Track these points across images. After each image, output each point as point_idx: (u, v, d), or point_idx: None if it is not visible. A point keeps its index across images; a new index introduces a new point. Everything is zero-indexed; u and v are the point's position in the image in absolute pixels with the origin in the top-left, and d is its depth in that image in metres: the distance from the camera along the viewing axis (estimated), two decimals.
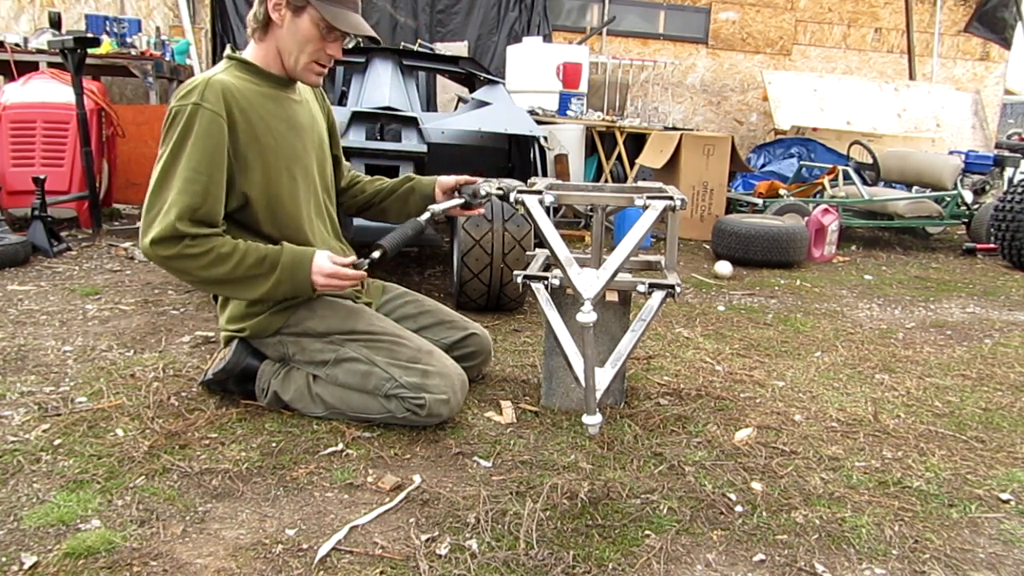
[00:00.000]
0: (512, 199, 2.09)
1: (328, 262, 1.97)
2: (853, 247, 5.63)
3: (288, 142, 2.05)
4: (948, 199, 5.78)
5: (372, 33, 2.06)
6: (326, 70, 2.08)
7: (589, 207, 2.32)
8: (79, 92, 4.33)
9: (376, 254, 1.98)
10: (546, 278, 2.11)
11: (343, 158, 2.44)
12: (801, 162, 6.80)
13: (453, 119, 3.78)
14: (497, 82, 4.30)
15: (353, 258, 2.03)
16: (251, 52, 2.06)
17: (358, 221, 3.41)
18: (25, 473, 1.73)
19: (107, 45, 5.82)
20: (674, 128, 7.03)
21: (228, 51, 2.11)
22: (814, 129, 7.91)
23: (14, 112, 4.58)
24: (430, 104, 7.40)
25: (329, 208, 2.27)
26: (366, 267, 1.99)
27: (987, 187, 6.90)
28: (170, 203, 1.87)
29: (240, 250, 1.93)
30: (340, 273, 1.97)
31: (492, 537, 1.56)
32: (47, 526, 1.52)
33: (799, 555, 1.56)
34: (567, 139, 6.16)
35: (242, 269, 1.92)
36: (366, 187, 2.43)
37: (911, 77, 8.74)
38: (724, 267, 4.36)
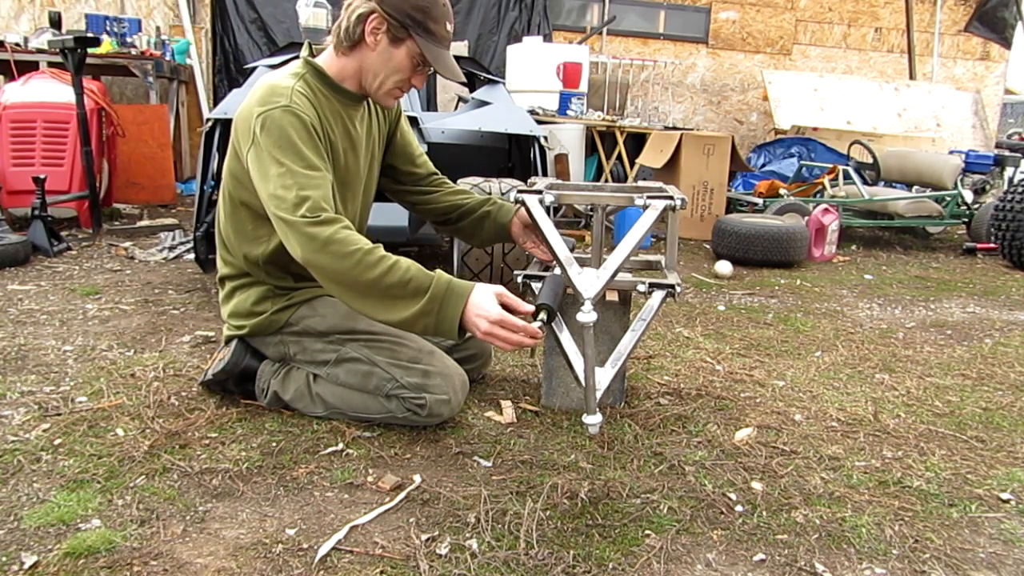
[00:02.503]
0: (512, 198, 2.09)
1: (494, 303, 1.69)
2: (853, 247, 5.63)
3: (346, 165, 2.02)
4: (948, 199, 5.78)
5: (463, 78, 2.00)
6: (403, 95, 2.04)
7: (589, 207, 2.32)
8: (79, 92, 4.33)
9: (544, 315, 1.73)
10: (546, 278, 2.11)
11: (424, 156, 2.33)
12: (801, 162, 6.80)
13: (453, 119, 3.78)
14: (497, 82, 4.30)
15: (529, 307, 1.74)
16: (328, 61, 1.98)
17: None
18: (25, 473, 1.73)
19: (107, 45, 5.83)
20: (674, 128, 7.03)
21: (306, 52, 2.03)
22: (814, 129, 7.91)
23: (14, 112, 4.58)
24: (430, 104, 7.40)
25: (360, 228, 2.21)
26: (542, 330, 1.72)
27: (987, 187, 6.91)
28: (302, 191, 1.75)
29: (390, 259, 1.73)
30: (508, 323, 1.67)
31: (492, 537, 1.56)
32: (47, 526, 1.52)
33: (799, 555, 1.56)
34: (567, 139, 6.16)
35: (384, 284, 1.72)
36: (444, 197, 2.29)
37: (911, 77, 8.74)
38: (724, 267, 4.36)
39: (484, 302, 1.71)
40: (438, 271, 1.77)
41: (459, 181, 3.21)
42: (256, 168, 1.84)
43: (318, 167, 1.83)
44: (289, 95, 1.86)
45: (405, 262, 1.75)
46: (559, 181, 2.45)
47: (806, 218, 5.04)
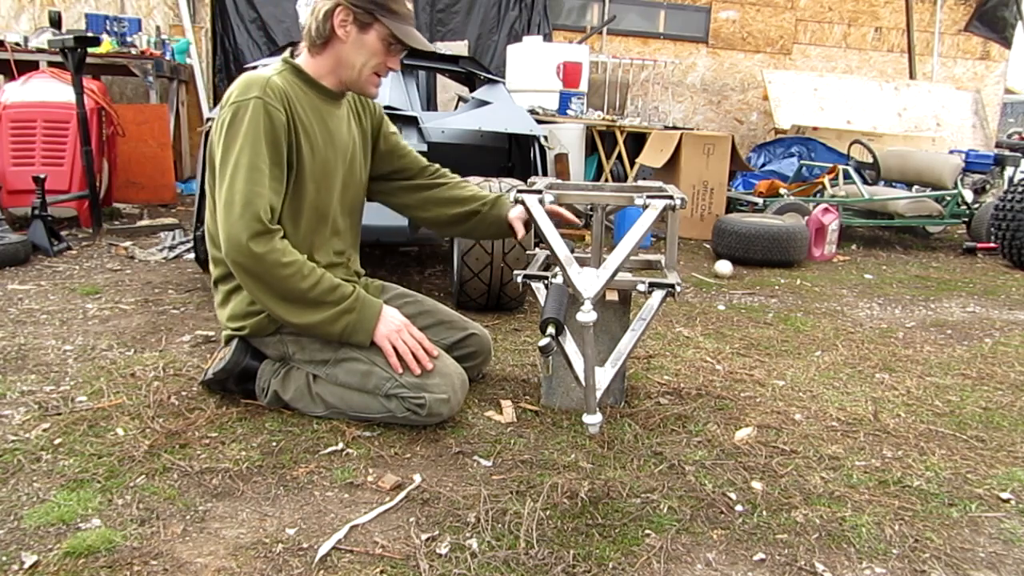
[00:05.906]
0: (512, 198, 2.09)
1: (398, 315, 2.04)
2: (853, 246, 5.63)
3: (323, 155, 2.07)
4: (948, 198, 5.78)
5: (431, 47, 2.16)
6: (382, 80, 2.14)
7: (589, 206, 2.32)
8: (79, 91, 4.33)
9: (553, 329, 1.75)
10: (546, 277, 2.11)
11: (413, 153, 2.39)
12: (801, 161, 6.80)
13: (453, 118, 3.78)
14: (497, 81, 4.30)
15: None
16: (304, 63, 2.07)
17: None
18: (25, 472, 1.73)
19: (107, 44, 5.82)
20: (674, 127, 7.03)
21: (287, 54, 2.11)
22: (814, 128, 7.91)
23: (14, 111, 4.58)
24: (430, 103, 7.40)
25: (346, 234, 2.23)
26: (552, 350, 1.73)
27: (987, 186, 6.90)
28: (252, 197, 1.88)
29: (319, 271, 1.96)
30: (416, 332, 2.03)
31: (492, 536, 1.56)
32: (47, 525, 1.52)
33: (799, 554, 1.56)
34: (567, 138, 6.15)
35: (317, 291, 1.94)
36: (444, 192, 2.34)
37: (911, 76, 8.74)
38: (724, 266, 4.36)
39: (388, 312, 2.03)
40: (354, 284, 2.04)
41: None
42: (219, 157, 1.94)
43: (274, 163, 1.93)
44: (262, 87, 1.93)
45: (327, 273, 1.98)
46: (559, 181, 2.46)
47: (806, 218, 5.04)
